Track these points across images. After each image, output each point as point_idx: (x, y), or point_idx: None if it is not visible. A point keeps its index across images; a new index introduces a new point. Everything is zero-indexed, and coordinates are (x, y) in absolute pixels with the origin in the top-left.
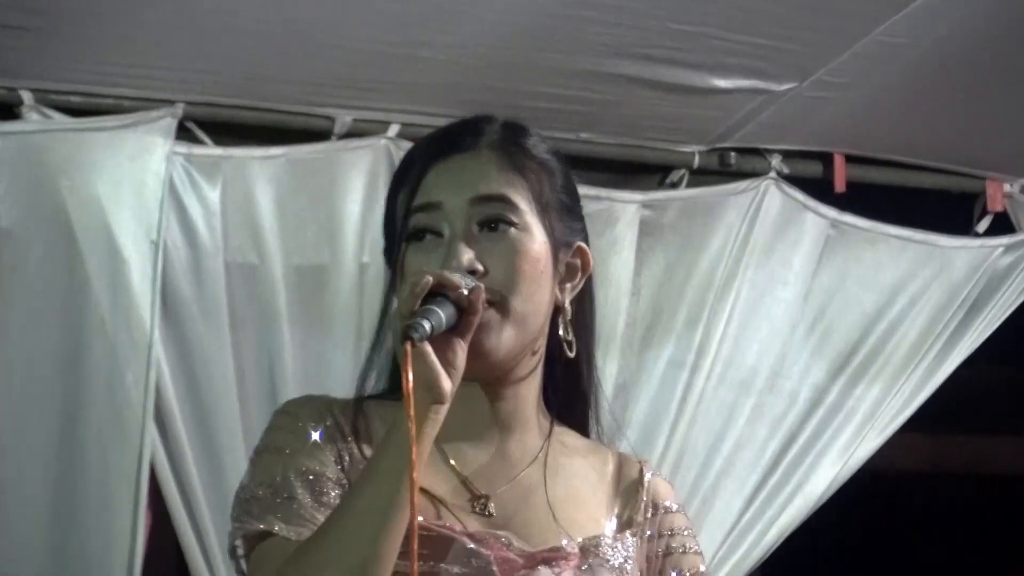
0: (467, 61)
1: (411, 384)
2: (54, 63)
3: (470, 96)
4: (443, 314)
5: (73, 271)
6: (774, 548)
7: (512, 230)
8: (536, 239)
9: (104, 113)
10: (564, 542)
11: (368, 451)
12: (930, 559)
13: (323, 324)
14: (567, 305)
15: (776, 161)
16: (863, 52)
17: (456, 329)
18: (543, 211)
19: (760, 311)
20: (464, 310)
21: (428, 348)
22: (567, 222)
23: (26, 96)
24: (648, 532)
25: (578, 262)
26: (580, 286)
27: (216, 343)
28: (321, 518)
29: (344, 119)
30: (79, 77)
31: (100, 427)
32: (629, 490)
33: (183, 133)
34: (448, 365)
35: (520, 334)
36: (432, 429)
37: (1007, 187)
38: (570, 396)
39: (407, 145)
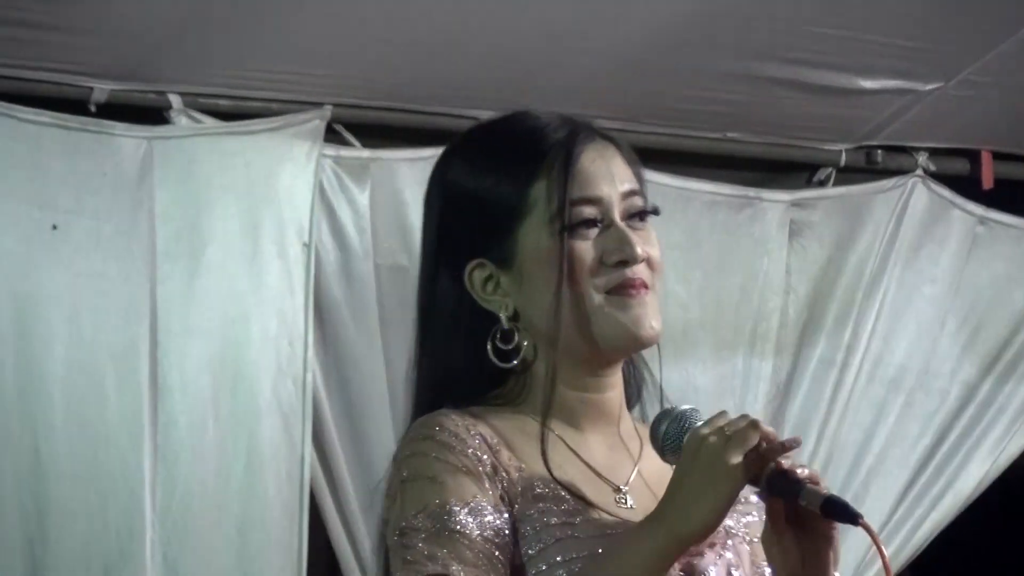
0: (610, 65)
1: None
2: (202, 68)
3: (614, 98)
4: None
5: (231, 277)
6: (925, 546)
7: (648, 220)
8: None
9: (252, 116)
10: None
11: (504, 458)
12: None
13: None
14: None
15: (923, 159)
16: (1008, 51)
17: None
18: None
19: (909, 309)
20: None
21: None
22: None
23: (175, 100)
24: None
25: None
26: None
27: (367, 346)
28: (490, 551)
29: None
30: (227, 81)
31: (271, 433)
32: None
33: (331, 136)
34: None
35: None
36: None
37: None
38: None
39: None
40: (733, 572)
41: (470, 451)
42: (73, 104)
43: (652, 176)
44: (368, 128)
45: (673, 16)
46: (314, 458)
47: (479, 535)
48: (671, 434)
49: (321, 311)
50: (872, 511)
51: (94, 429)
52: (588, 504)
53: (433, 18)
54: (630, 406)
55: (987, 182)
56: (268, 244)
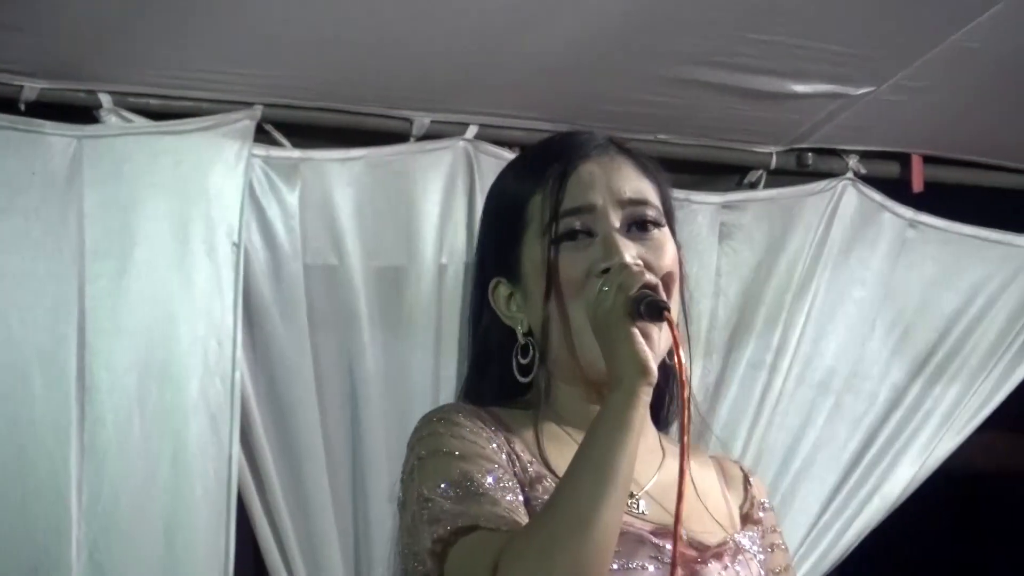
0: (546, 67)
1: (681, 354)
2: (132, 67)
3: (549, 99)
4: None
5: (160, 276)
6: (851, 549)
7: (656, 230)
8: (671, 240)
9: (183, 116)
10: (727, 537)
11: (519, 448)
12: (1008, 559)
13: (402, 326)
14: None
15: (853, 161)
16: (940, 57)
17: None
18: (668, 216)
19: (838, 311)
20: (663, 303)
21: (637, 332)
22: (676, 229)
23: (105, 99)
24: (763, 527)
25: (677, 269)
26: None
27: (296, 345)
28: (514, 511)
29: (422, 121)
30: (157, 80)
31: (198, 433)
32: (740, 488)
33: (261, 136)
34: (652, 349)
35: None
36: (645, 411)
37: None
38: (667, 400)
39: (486, 146)
40: None
41: (484, 435)
42: (2, 102)
43: None
44: (299, 128)
45: (608, 20)
46: (241, 457)
47: (504, 499)
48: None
49: (250, 311)
50: (800, 513)
51: (21, 428)
52: None
53: (366, 18)
54: (660, 421)
55: (917, 185)
56: (197, 244)
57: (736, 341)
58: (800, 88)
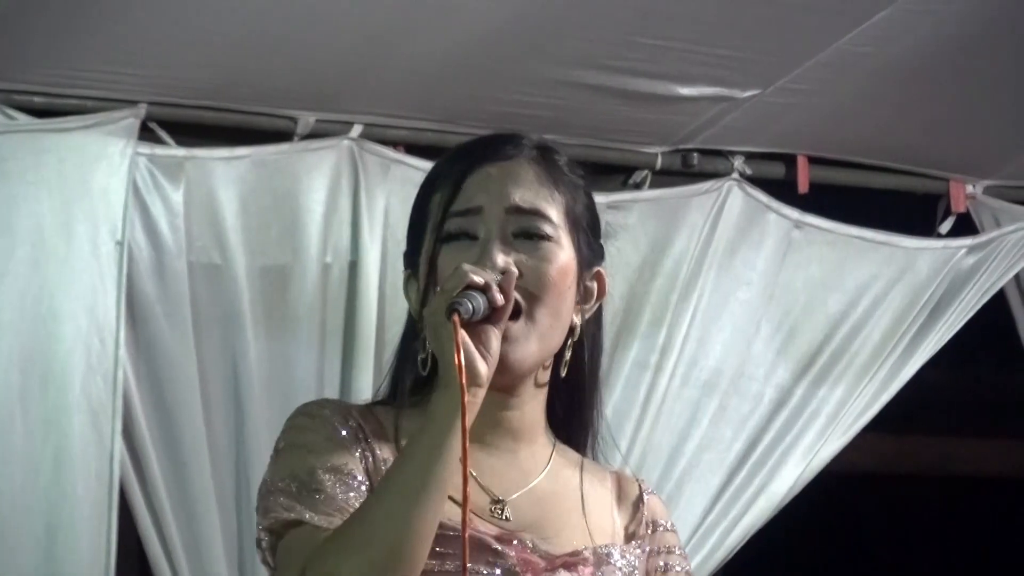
0: (432, 67)
1: (462, 355)
2: (16, 64)
3: (435, 99)
4: (480, 301)
5: (42, 274)
6: (737, 549)
7: (545, 242)
8: (566, 254)
9: (67, 114)
10: (582, 547)
11: (386, 454)
12: (893, 560)
13: (286, 325)
14: (580, 327)
15: (739, 162)
16: (826, 61)
17: (490, 318)
18: (574, 229)
19: (724, 312)
20: (495, 302)
21: (464, 334)
22: (592, 244)
23: None
24: (648, 548)
25: (595, 286)
26: (593, 310)
27: (180, 344)
28: (350, 509)
29: (307, 120)
30: (41, 78)
31: (80, 431)
32: (630, 506)
33: (146, 134)
34: (484, 351)
35: (543, 346)
36: (470, 413)
37: (970, 188)
38: (573, 417)
39: (371, 146)
40: None
41: (343, 432)
42: None
43: None
44: (183, 127)
45: (494, 22)
46: (125, 457)
47: (341, 497)
48: None
49: (133, 309)
50: (685, 514)
51: None
52: (456, 505)
53: (251, 18)
54: (567, 437)
55: (803, 186)
56: (81, 242)
57: (621, 341)
58: (686, 91)
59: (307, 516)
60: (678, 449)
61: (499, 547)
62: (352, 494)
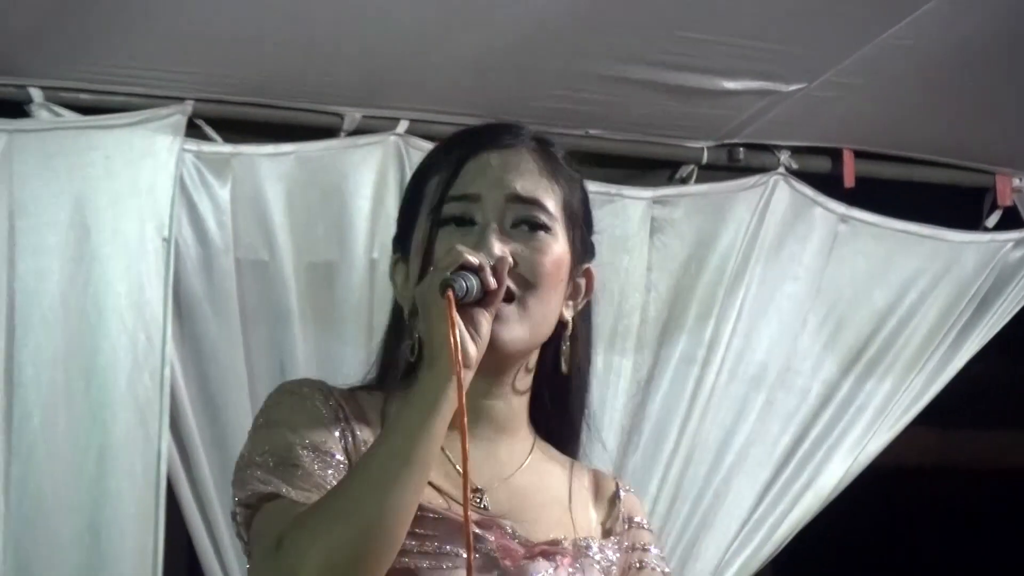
0: (478, 63)
1: (457, 332)
2: (64, 61)
3: (480, 95)
4: (474, 281)
5: (89, 271)
6: (785, 544)
7: (541, 232)
8: (561, 246)
9: (114, 111)
10: (562, 537)
11: (367, 436)
12: (940, 554)
13: (334, 321)
14: (570, 322)
15: (785, 157)
16: (872, 54)
17: (482, 301)
18: (570, 222)
19: (770, 306)
20: (488, 285)
21: (456, 315)
22: (586, 240)
23: (36, 94)
24: (625, 543)
25: (583, 283)
26: (581, 307)
27: (227, 341)
28: (327, 486)
29: (353, 116)
30: (89, 75)
31: (126, 428)
32: (606, 502)
33: (193, 131)
34: (474, 333)
35: (532, 334)
36: (456, 396)
37: (1016, 182)
38: (559, 415)
39: (417, 141)
40: None
41: (323, 411)
42: None
43: None
44: (230, 123)
45: (539, 17)
46: (173, 454)
47: (319, 474)
48: None
49: (181, 305)
50: (733, 508)
51: None
52: (435, 490)
53: (298, 14)
54: (545, 431)
55: (848, 180)
56: (127, 238)
57: (667, 336)
58: (731, 85)
59: (284, 490)
60: (726, 444)
61: (479, 531)
62: (330, 471)
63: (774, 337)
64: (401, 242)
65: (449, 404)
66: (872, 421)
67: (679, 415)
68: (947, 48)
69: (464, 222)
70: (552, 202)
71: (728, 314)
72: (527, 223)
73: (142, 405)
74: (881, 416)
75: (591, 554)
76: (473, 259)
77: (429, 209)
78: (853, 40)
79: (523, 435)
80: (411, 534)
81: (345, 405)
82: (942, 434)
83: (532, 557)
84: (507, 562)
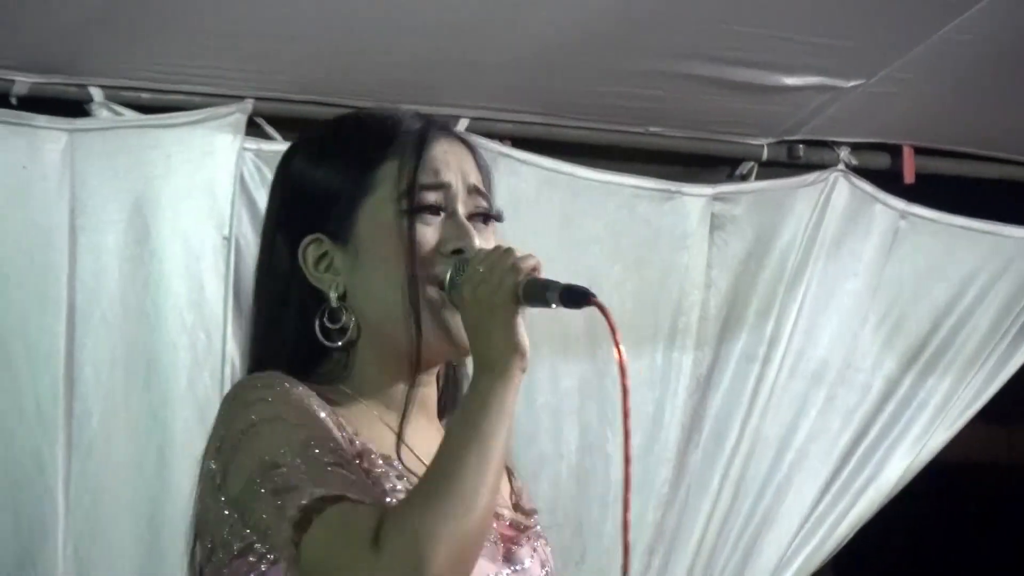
0: (537, 60)
1: (619, 337)
2: (124, 61)
3: (539, 92)
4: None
5: (148, 270)
6: (847, 540)
7: (491, 224)
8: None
9: (174, 110)
10: (532, 520)
11: (345, 424)
12: (1000, 551)
13: None
14: None
15: (844, 153)
16: (930, 49)
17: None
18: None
19: (831, 303)
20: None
21: (520, 317)
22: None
23: (96, 93)
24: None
25: None
26: None
27: None
28: (366, 483)
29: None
30: (149, 74)
31: (186, 426)
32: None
33: (253, 129)
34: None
35: None
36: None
37: None
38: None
39: (477, 139)
40: (545, 566)
41: (314, 403)
42: None
43: (574, 170)
44: (290, 121)
45: (596, 15)
46: None
47: (351, 470)
48: (455, 281)
49: (241, 304)
50: (795, 504)
51: (9, 422)
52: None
53: (356, 11)
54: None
55: (908, 176)
56: (188, 236)
57: (727, 333)
58: (790, 81)
59: (346, 491)
60: (786, 441)
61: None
62: (353, 468)
63: (834, 333)
64: (323, 223)
65: (514, 403)
66: (932, 418)
67: (740, 412)
68: (1006, 43)
69: (434, 210)
70: (490, 192)
71: (788, 311)
72: (481, 215)
73: (202, 403)
74: (941, 413)
75: (542, 532)
76: (536, 262)
77: (395, 194)
78: (912, 36)
79: (432, 409)
80: None
81: (316, 392)
82: (1004, 431)
83: (519, 543)
84: (510, 546)
